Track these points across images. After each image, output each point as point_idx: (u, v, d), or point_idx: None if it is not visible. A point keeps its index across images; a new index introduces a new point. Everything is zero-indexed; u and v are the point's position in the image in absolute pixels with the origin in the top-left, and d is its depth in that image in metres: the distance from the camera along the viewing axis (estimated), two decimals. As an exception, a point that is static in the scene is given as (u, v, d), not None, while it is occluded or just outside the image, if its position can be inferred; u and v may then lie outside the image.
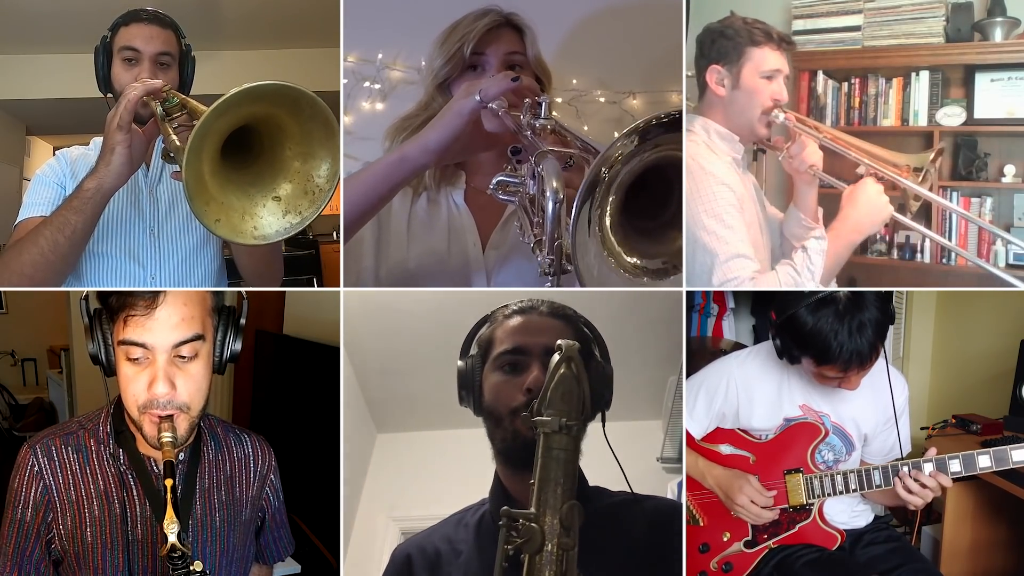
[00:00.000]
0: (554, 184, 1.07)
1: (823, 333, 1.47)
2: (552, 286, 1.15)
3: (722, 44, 1.69)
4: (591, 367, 1.24)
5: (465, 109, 1.34)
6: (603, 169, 1.02)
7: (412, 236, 1.60)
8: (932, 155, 1.66)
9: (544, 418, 1.04)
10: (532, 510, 1.00)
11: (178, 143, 1.36)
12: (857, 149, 1.69)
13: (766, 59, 1.67)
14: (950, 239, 2.62)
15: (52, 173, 1.65)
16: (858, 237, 1.62)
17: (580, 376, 1.08)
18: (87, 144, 1.73)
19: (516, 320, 1.30)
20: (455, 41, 1.55)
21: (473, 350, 1.31)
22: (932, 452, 1.55)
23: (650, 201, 1.14)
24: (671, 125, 1.03)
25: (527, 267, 1.24)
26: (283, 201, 1.34)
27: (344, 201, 1.41)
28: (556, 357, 1.08)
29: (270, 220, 1.33)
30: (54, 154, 1.71)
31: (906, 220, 1.68)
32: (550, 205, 1.07)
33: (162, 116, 1.41)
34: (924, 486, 1.52)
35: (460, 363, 1.30)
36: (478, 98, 1.33)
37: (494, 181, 1.23)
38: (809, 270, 1.55)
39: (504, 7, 1.59)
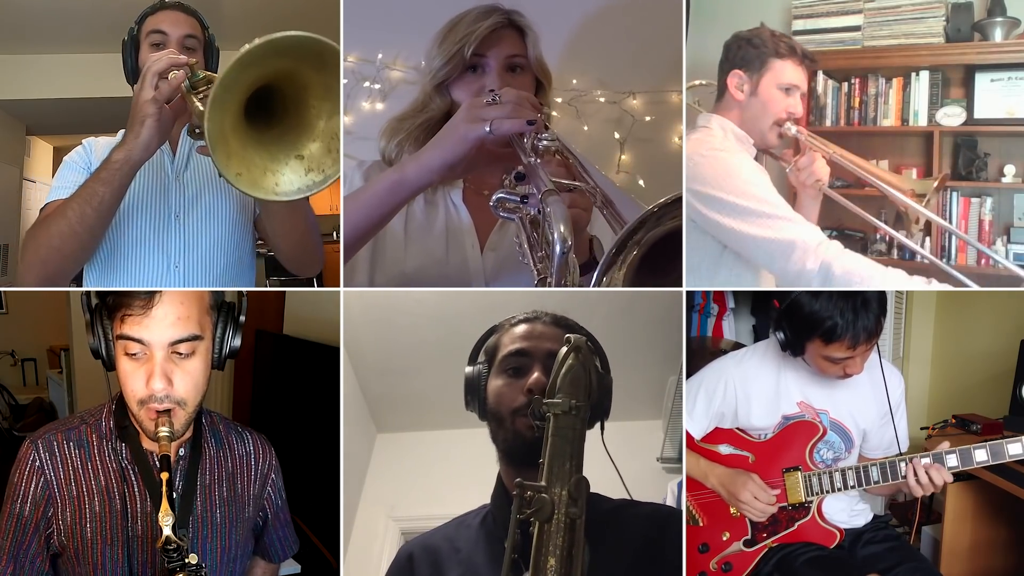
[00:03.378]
0: (561, 229, 1.06)
1: (829, 310, 1.50)
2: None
3: (747, 51, 1.73)
4: None
5: (471, 135, 1.32)
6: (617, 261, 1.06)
7: (409, 240, 1.58)
8: (935, 183, 1.71)
9: (555, 400, 1.10)
10: (543, 483, 1.05)
11: (202, 109, 1.33)
12: (864, 169, 1.73)
13: (786, 72, 1.71)
14: (949, 241, 2.63)
15: (79, 159, 1.66)
16: None
17: (587, 365, 1.14)
18: (87, 142, 1.73)
19: (521, 328, 1.33)
20: (455, 41, 1.52)
21: (481, 358, 1.34)
22: (945, 445, 1.57)
23: (661, 260, 1.14)
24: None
25: (525, 271, 1.24)
26: (306, 160, 1.32)
27: (343, 223, 1.40)
28: (564, 349, 1.13)
29: (291, 177, 1.31)
30: (81, 143, 1.72)
31: (908, 242, 1.70)
32: (557, 250, 1.06)
33: (188, 88, 1.40)
34: (931, 480, 1.55)
35: (468, 369, 1.33)
36: (488, 130, 1.31)
37: (494, 198, 1.22)
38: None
39: (506, 6, 1.57)
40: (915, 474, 1.56)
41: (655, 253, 1.10)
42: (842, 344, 1.52)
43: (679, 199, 1.06)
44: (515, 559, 1.04)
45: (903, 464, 1.58)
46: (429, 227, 1.59)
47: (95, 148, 1.68)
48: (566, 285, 1.10)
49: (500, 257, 1.57)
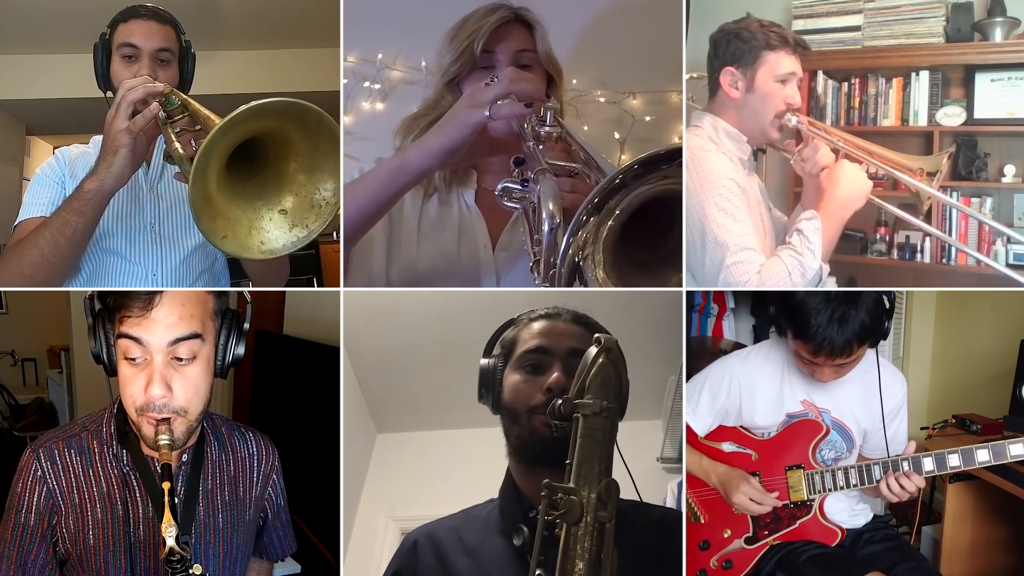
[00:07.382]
0: (550, 207, 1.06)
1: (807, 308, 1.50)
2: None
3: (737, 46, 1.68)
4: None
5: (471, 120, 1.32)
6: (590, 217, 1.04)
7: (423, 237, 1.59)
8: (945, 158, 1.66)
9: (586, 401, 1.07)
10: (571, 484, 1.03)
11: (181, 151, 1.35)
12: (869, 152, 1.68)
13: (781, 63, 1.67)
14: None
15: (51, 172, 1.64)
16: (847, 214, 1.61)
17: (618, 366, 1.12)
18: (87, 143, 1.72)
19: (540, 324, 1.33)
20: (464, 38, 1.53)
21: (496, 350, 1.34)
22: (912, 447, 1.61)
23: (651, 231, 1.13)
24: (669, 158, 1.05)
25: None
26: (289, 215, 1.34)
27: (346, 206, 1.39)
28: (595, 349, 1.11)
29: (277, 234, 1.34)
30: (53, 153, 1.70)
31: (915, 220, 1.68)
32: (545, 228, 1.07)
33: (164, 120, 1.40)
34: (904, 488, 1.57)
35: (483, 362, 1.33)
36: (487, 114, 1.31)
37: (499, 187, 1.22)
38: (809, 249, 1.55)
39: (513, 2, 1.58)
40: (887, 484, 1.58)
41: (642, 223, 1.09)
42: (806, 345, 1.53)
43: (655, 160, 1.04)
44: (541, 561, 1.02)
45: (905, 463, 1.58)
46: (443, 226, 1.60)
47: (69, 158, 1.67)
48: (554, 266, 1.09)
49: (512, 256, 1.58)
